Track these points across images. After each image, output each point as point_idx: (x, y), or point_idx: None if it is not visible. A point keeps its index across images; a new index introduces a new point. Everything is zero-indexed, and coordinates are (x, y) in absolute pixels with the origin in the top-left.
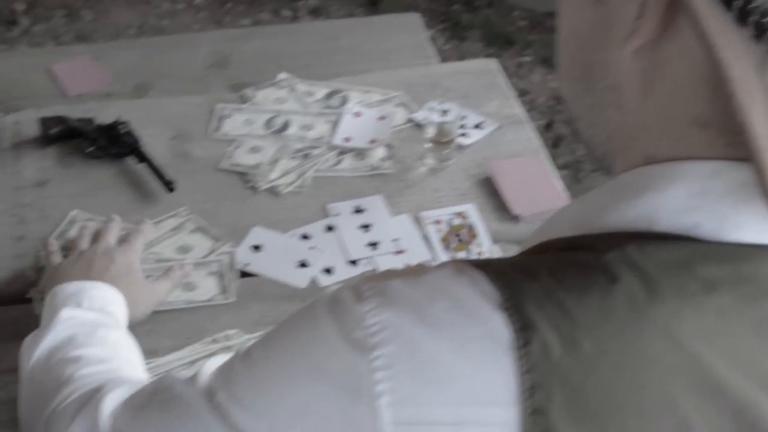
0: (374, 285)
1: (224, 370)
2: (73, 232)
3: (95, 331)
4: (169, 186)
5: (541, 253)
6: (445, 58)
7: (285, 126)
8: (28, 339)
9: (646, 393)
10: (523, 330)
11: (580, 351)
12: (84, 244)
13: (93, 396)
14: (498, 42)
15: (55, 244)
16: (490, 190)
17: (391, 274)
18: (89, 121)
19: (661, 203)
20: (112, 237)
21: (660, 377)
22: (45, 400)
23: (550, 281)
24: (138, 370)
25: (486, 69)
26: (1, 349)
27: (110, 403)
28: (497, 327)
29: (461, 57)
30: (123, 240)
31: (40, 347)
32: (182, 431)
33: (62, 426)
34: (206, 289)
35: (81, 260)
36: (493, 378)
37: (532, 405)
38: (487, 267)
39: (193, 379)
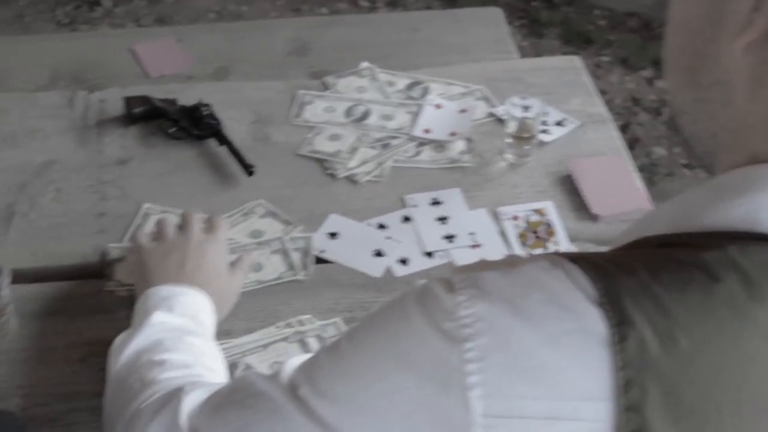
0: (466, 276)
1: (308, 364)
2: (149, 227)
3: (183, 337)
4: (248, 170)
5: (635, 249)
6: (522, 55)
7: (365, 115)
8: (118, 339)
9: (744, 393)
10: (620, 325)
11: (678, 348)
12: (171, 233)
13: (173, 396)
14: (576, 41)
15: (143, 237)
16: (569, 188)
17: (483, 266)
18: (172, 102)
19: (764, 204)
20: (198, 227)
21: (760, 378)
22: (128, 399)
23: (647, 277)
24: (219, 378)
25: (569, 66)
26: (82, 322)
27: (190, 402)
28: (593, 321)
29: (538, 54)
30: (208, 230)
31: (128, 348)
32: (262, 426)
33: (141, 424)
34: (272, 268)
35: (173, 255)
36: (587, 373)
37: (627, 401)
38: (582, 260)
39: (274, 376)
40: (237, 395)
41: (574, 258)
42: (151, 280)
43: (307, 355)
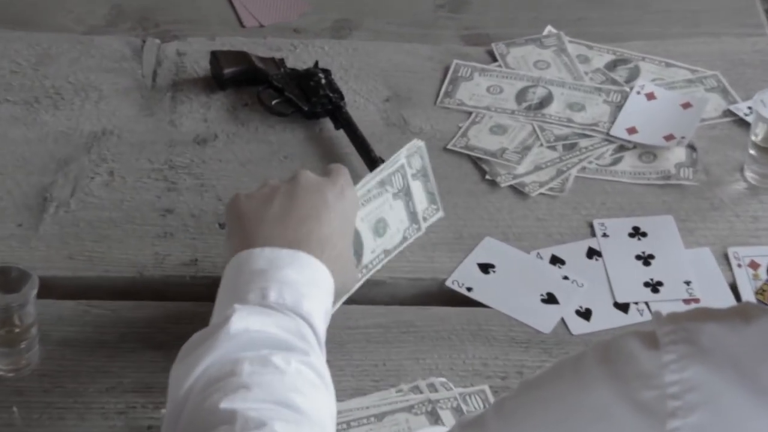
0: (677, 328)
1: (469, 425)
2: None
3: (271, 358)
4: (375, 165)
5: None
6: None
7: (545, 101)
8: (192, 340)
9: None
10: None
11: None
12: (275, 182)
13: None
14: None
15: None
16: None
17: (702, 314)
18: (278, 63)
19: None
20: (311, 174)
21: None
22: None
23: None
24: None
25: None
26: (130, 360)
27: None
28: None
29: None
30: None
31: (195, 373)
32: None
33: None
34: (396, 222)
35: (277, 200)
36: None
37: None
38: None
39: None
40: None
41: None
42: (245, 237)
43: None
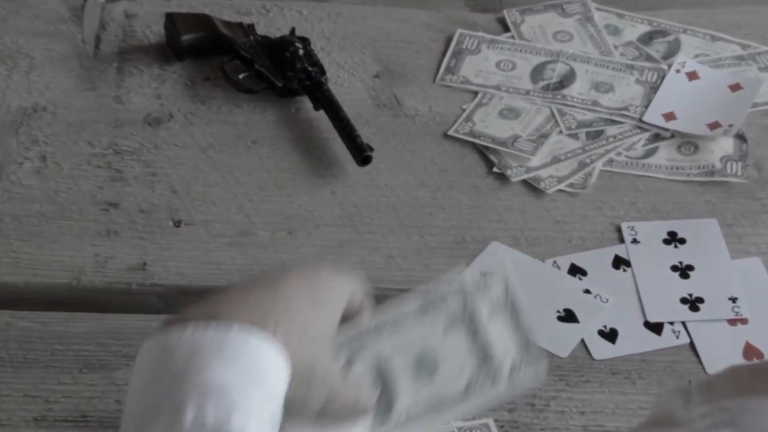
0: (717, 406)
1: None
2: None
3: None
4: (362, 155)
5: None
6: None
7: (566, 80)
8: None
9: None
10: None
11: None
12: None
13: None
14: None
15: None
16: None
17: (743, 383)
18: (246, 30)
19: None
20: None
21: None
22: None
23: None
24: None
25: None
26: (63, 381)
27: None
28: None
29: None
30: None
31: None
32: None
33: None
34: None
35: (259, 280)
36: None
37: None
38: None
39: None
40: None
41: None
42: (186, 308)
43: None
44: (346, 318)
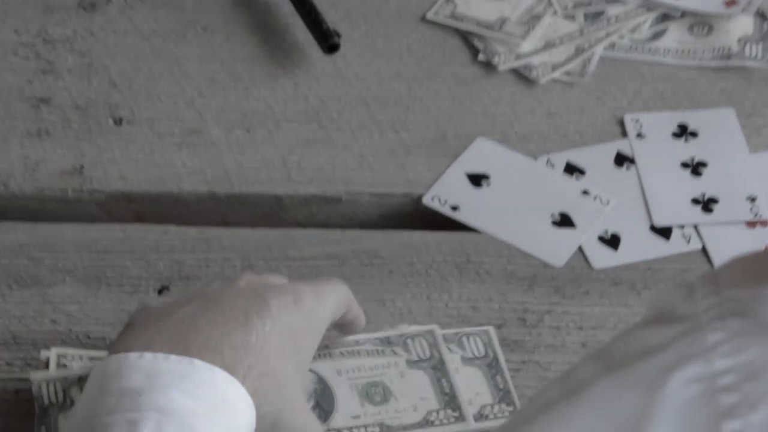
0: (729, 296)
1: None
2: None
3: None
4: (328, 42)
5: None
6: None
7: None
8: None
9: None
10: None
11: None
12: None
13: None
14: None
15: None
16: None
17: (751, 271)
18: None
19: None
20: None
21: None
22: None
23: None
24: None
25: None
26: None
27: None
28: None
29: None
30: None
31: None
32: None
33: None
34: (409, 398)
35: (198, 300)
36: None
37: None
38: None
39: None
40: None
41: None
42: (126, 339)
43: None
44: (341, 325)
